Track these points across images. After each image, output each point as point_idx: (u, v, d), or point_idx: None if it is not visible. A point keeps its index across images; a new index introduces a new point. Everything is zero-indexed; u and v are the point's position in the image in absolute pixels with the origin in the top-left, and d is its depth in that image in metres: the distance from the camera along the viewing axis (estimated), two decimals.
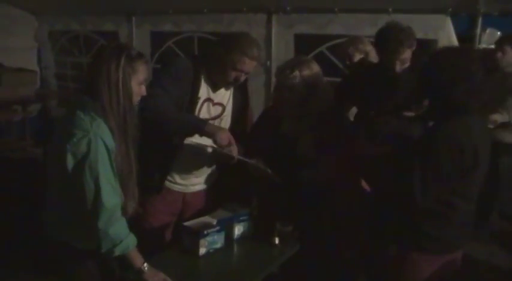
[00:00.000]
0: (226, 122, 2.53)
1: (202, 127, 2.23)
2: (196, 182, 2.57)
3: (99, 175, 1.74)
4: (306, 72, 2.36)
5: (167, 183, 2.49)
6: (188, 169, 2.50)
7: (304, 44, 4.46)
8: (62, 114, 1.98)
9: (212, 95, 2.43)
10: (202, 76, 2.38)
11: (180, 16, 4.95)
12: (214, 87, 2.43)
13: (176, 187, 2.53)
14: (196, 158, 2.48)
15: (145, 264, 1.88)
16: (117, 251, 1.82)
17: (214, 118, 2.47)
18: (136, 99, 1.90)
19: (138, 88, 1.88)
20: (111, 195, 1.79)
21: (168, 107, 2.24)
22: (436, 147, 1.91)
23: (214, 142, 2.24)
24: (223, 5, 4.50)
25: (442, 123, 1.98)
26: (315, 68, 2.42)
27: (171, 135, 2.36)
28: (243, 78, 2.37)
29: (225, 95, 2.49)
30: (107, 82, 1.78)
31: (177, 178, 2.51)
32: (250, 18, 4.53)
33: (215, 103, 2.46)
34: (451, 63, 1.93)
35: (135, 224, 2.18)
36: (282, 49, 4.42)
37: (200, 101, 2.39)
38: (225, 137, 2.22)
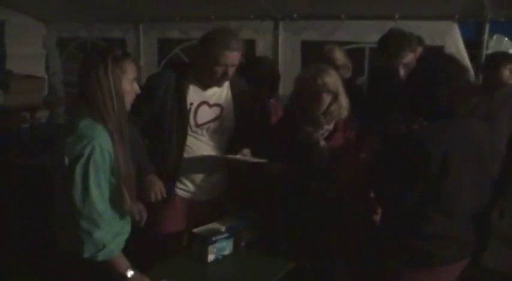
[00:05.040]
0: (229, 121, 2.52)
1: None
2: (208, 189, 2.56)
3: (89, 178, 1.72)
4: (328, 79, 2.34)
5: (180, 191, 2.50)
6: (200, 176, 2.51)
7: (311, 50, 4.47)
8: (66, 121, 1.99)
9: (207, 98, 2.44)
10: (191, 81, 2.39)
11: (187, 23, 4.96)
12: (207, 89, 2.44)
13: (188, 195, 2.53)
14: (207, 166, 2.49)
15: (129, 270, 1.82)
16: (101, 257, 1.77)
17: (214, 120, 2.47)
18: (130, 98, 1.88)
19: (131, 87, 1.87)
20: (100, 199, 1.76)
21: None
22: (402, 151, 1.89)
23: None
24: (231, 12, 4.51)
25: (417, 128, 1.96)
26: (335, 75, 2.40)
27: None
28: (231, 71, 2.36)
29: (221, 95, 2.49)
30: (99, 88, 1.78)
31: (190, 186, 2.51)
32: (258, 26, 4.55)
33: (212, 105, 2.46)
34: (431, 66, 1.95)
35: (149, 233, 2.18)
36: (289, 56, 4.42)
37: (194, 107, 2.39)
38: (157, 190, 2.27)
